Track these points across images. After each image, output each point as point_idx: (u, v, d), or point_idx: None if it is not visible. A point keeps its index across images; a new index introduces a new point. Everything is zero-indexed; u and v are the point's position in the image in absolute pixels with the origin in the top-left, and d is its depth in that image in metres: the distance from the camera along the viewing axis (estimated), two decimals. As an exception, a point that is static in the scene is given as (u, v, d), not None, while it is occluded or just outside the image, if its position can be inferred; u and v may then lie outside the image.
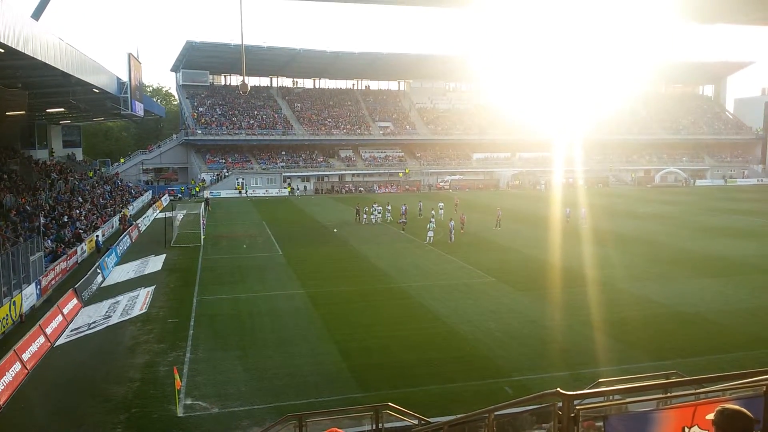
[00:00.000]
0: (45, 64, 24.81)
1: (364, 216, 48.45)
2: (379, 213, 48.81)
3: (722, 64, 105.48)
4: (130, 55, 47.73)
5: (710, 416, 3.92)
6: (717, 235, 40.27)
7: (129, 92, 45.93)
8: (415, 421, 10.33)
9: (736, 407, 3.72)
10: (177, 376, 14.48)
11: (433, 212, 45.39)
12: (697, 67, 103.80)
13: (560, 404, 4.71)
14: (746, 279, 27.58)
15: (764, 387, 4.68)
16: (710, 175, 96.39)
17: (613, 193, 75.04)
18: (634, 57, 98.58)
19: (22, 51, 21.49)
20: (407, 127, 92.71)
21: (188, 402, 14.74)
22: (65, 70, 28.03)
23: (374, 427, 10.10)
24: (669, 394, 6.14)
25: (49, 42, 25.02)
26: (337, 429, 3.64)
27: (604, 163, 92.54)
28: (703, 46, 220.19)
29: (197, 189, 75.25)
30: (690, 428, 4.50)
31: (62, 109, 48.22)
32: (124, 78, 45.62)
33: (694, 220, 48.84)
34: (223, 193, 75.37)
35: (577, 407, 4.66)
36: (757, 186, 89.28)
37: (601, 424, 4.87)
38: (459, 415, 9.95)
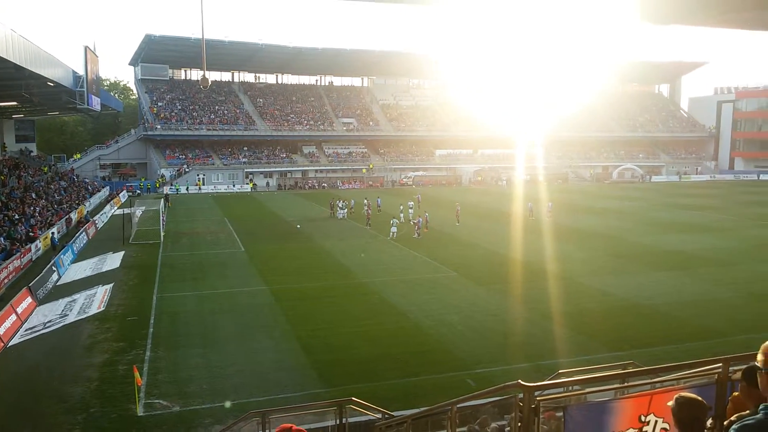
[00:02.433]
0: (-4, 55, 24.04)
1: (340, 210, 48.30)
2: (342, 209, 48.67)
3: (677, 64, 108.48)
4: (86, 48, 46.55)
5: (670, 403, 4.03)
6: (672, 230, 41.42)
7: (85, 86, 44.80)
8: (379, 415, 10.38)
9: (691, 395, 3.82)
10: (137, 375, 14.24)
11: (401, 208, 45.47)
12: (653, 66, 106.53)
13: (521, 395, 4.78)
14: (699, 272, 28.45)
15: (716, 375, 4.84)
16: (665, 171, 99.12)
17: (572, 189, 76.45)
18: (592, 56, 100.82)
19: (-28, 42, 20.76)
20: (371, 123, 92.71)
21: (149, 401, 14.49)
22: (18, 63, 27.20)
23: (338, 422, 10.11)
24: (626, 384, 6.31)
25: (1, 33, 24.21)
26: (291, 425, 3.61)
27: (564, 159, 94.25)
28: (657, 46, 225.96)
29: (157, 184, 73.82)
30: (646, 416, 4.62)
31: (15, 103, 46.77)
32: (81, 71, 44.47)
33: (650, 215, 50.12)
34: (183, 189, 74.00)
35: (538, 398, 4.73)
36: (709, 182, 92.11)
37: (561, 414, 4.97)
38: (422, 408, 10.03)
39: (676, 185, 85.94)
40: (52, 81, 35.61)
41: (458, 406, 7.22)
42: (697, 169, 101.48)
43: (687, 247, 34.96)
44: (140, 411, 13.95)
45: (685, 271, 28.57)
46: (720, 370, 4.83)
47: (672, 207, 56.12)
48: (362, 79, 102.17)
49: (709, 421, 4.07)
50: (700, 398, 3.84)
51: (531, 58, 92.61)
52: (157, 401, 14.49)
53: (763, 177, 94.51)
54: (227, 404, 13.91)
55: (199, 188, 75.66)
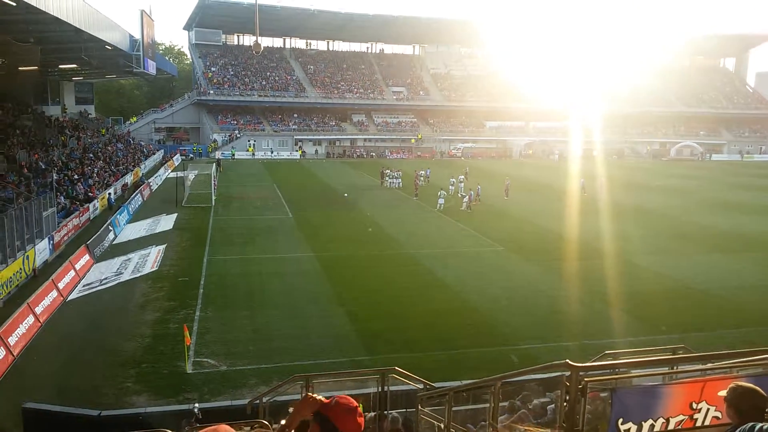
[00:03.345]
0: (57, 19, 24.60)
1: (392, 180, 48.58)
2: (392, 179, 48.82)
3: (744, 37, 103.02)
4: (143, 12, 47.23)
5: (722, 393, 3.89)
6: (731, 211, 39.88)
7: (141, 50, 45.58)
8: (420, 386, 10.42)
9: (750, 385, 3.69)
10: (187, 334, 14.66)
11: (452, 180, 44.97)
12: (718, 39, 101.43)
13: (568, 375, 4.69)
14: (759, 256, 27.34)
15: (774, 365, 4.65)
16: (727, 150, 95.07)
17: (628, 166, 74.29)
18: (653, 27, 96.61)
19: (34, 5, 21.29)
20: (421, 92, 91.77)
21: (197, 359, 14.95)
22: (78, 26, 27.79)
23: (380, 390, 10.20)
24: (676, 369, 6.12)
25: (62, -3, 24.77)
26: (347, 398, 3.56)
27: (620, 134, 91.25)
28: (725, 18, 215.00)
29: (210, 149, 75.17)
30: (698, 403, 4.48)
31: (75, 66, 48.01)
32: (137, 35, 45.21)
33: (709, 195, 48.34)
34: (238, 154, 75.27)
35: (585, 379, 4.63)
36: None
37: (606, 395, 4.87)
38: (466, 381, 10.03)
39: (737, 164, 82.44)
40: (109, 44, 36.34)
41: (503, 381, 7.16)
42: (761, 148, 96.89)
43: (747, 229, 33.62)
44: (189, 368, 14.41)
45: (744, 254, 27.52)
46: (779, 359, 4.65)
47: (732, 187, 53.97)
48: (413, 47, 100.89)
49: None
50: (758, 388, 3.70)
51: (589, 28, 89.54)
52: (205, 360, 14.94)
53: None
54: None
55: (253, 154, 76.63)
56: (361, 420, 3.42)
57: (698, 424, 4.51)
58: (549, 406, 8.80)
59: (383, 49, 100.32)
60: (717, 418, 4.45)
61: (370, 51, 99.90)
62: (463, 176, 47.16)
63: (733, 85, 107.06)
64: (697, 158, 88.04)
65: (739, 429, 3.39)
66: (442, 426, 8.77)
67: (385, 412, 9.70)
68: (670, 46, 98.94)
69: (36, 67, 41.19)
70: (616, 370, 6.71)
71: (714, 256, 27.22)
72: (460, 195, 40.48)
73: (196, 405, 11.57)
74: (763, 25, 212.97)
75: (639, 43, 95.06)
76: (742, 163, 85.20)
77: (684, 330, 17.28)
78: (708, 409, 4.48)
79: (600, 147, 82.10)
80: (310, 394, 3.51)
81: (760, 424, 3.31)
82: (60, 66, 48.96)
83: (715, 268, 24.98)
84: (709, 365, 5.20)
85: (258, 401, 10.85)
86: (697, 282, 22.77)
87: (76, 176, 37.28)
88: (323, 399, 3.38)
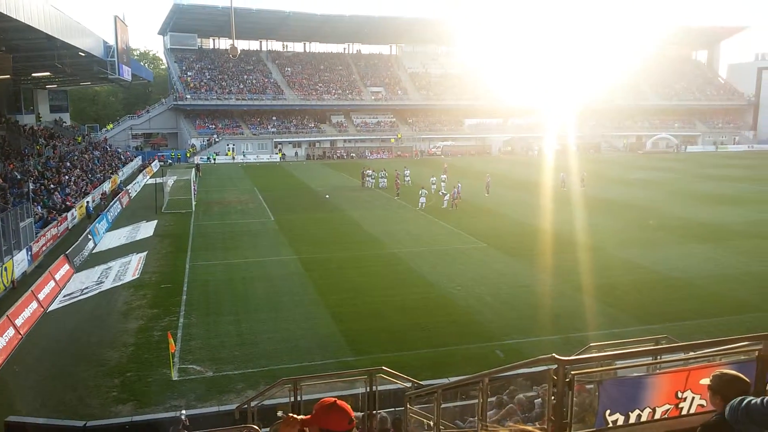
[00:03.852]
0: (28, 26, 24.20)
1: (370, 180, 48.90)
2: (373, 179, 48.99)
3: (716, 29, 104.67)
4: (116, 17, 46.65)
5: (705, 381, 3.96)
6: (707, 202, 40.51)
7: (116, 56, 44.99)
8: (408, 384, 10.46)
9: (734, 372, 3.76)
10: (171, 341, 14.56)
11: (433, 179, 45.01)
12: (690, 31, 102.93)
13: (555, 368, 4.74)
14: (735, 245, 27.84)
15: (756, 352, 4.74)
16: (701, 141, 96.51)
17: (605, 159, 75.11)
18: (627, 20, 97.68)
19: (5, 12, 20.95)
20: (399, 92, 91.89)
21: (183, 366, 14.85)
22: (50, 33, 27.36)
23: (368, 390, 10.22)
24: (660, 360, 6.22)
25: (32, 4, 24.37)
26: (334, 399, 3.67)
27: (597, 128, 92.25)
28: (696, 10, 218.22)
29: (188, 154, 74.55)
30: (683, 392, 4.55)
31: (48, 73, 47.26)
32: (111, 41, 44.63)
33: (685, 186, 49.06)
34: (219, 158, 74.78)
35: (572, 372, 4.68)
36: (747, 152, 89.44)
37: (592, 387, 4.93)
38: (454, 378, 10.08)
39: (712, 156, 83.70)
40: (83, 51, 35.83)
41: (491, 377, 7.21)
42: (734, 138, 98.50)
43: (722, 219, 34.18)
44: (175, 376, 14.31)
45: (719, 244, 27.98)
46: (761, 347, 4.73)
47: (707, 178, 54.81)
48: (391, 47, 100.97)
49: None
50: (742, 375, 3.77)
51: (563, 24, 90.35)
52: (190, 366, 14.84)
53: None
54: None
55: (233, 158, 76.14)
56: (342, 405, 3.48)
57: (684, 412, 4.58)
58: (536, 400, 8.89)
59: (360, 50, 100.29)
60: (702, 406, 4.52)
61: (347, 51, 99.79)
62: (444, 175, 47.34)
63: (705, 77, 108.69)
64: (673, 150, 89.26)
65: (729, 404, 3.45)
66: (432, 424, 8.82)
67: (374, 412, 9.73)
68: (643, 39, 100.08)
69: (8, 76, 40.44)
70: (602, 362, 6.80)
71: (691, 246, 27.63)
72: (441, 193, 40.60)
73: (183, 412, 11.49)
74: (733, 17, 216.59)
75: (613, 38, 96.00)
76: (716, 154, 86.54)
77: (665, 320, 17.53)
78: (693, 398, 4.55)
79: (577, 142, 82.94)
80: (290, 414, 3.58)
81: (750, 398, 3.37)
82: (33, 74, 48.14)
83: (692, 258, 25.37)
84: (692, 354, 5.30)
85: (246, 406, 10.80)
86: (675, 272, 23.11)
87: (52, 185, 36.77)
88: (302, 417, 3.48)
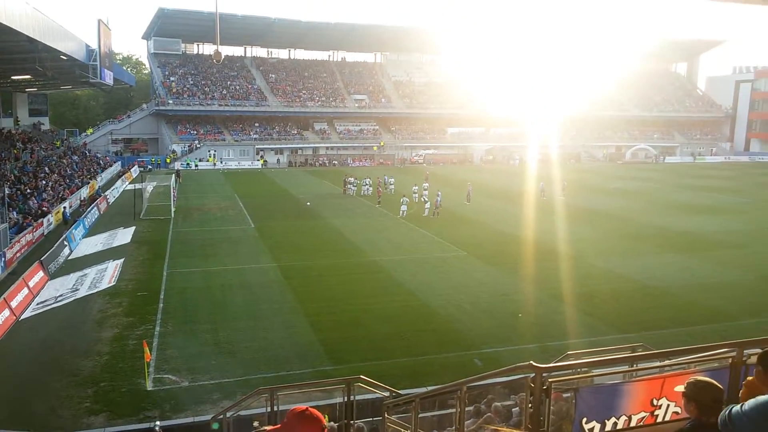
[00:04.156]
0: (10, 28, 23.86)
1: (352, 188, 48.86)
2: (355, 186, 48.97)
3: (695, 42, 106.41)
4: (99, 21, 46.23)
5: (680, 388, 3.95)
6: (684, 212, 41.02)
7: (98, 60, 44.56)
8: (387, 393, 10.38)
9: (708, 379, 3.76)
10: (146, 350, 14.32)
11: (415, 188, 44.54)
12: (670, 44, 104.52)
13: (532, 376, 4.71)
14: (711, 254, 28.19)
15: (730, 359, 4.75)
16: (680, 152, 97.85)
17: (585, 169, 75.79)
18: (609, 32, 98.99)
19: (-17, 14, 20.64)
20: (383, 100, 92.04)
21: (158, 375, 14.60)
22: (31, 36, 27.01)
23: (346, 399, 10.12)
24: (637, 367, 6.22)
25: (14, 6, 24.05)
26: (305, 407, 3.63)
27: (577, 139, 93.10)
28: (676, 23, 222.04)
29: (168, 160, 73.95)
30: (658, 400, 4.55)
31: (28, 77, 46.68)
32: (93, 45, 44.19)
33: (663, 196, 49.64)
34: (201, 164, 74.26)
35: (549, 380, 4.66)
36: (724, 163, 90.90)
37: (569, 395, 4.90)
38: (432, 387, 10.01)
39: (690, 166, 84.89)
40: (65, 54, 35.41)
41: (468, 386, 7.16)
42: (712, 150, 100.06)
43: (699, 228, 34.61)
44: (150, 385, 14.07)
45: (696, 253, 28.31)
46: (734, 354, 4.75)
47: (685, 188, 55.53)
48: (375, 55, 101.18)
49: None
50: (716, 382, 3.77)
51: (546, 35, 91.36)
52: (166, 376, 14.60)
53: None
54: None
55: (214, 164, 75.62)
56: (313, 413, 3.43)
57: (659, 420, 4.58)
58: (514, 409, 8.85)
59: (345, 57, 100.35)
60: (677, 413, 4.53)
61: (331, 59, 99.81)
62: (426, 183, 47.32)
63: (684, 89, 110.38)
64: (652, 161, 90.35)
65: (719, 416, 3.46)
66: (409, 433, 8.73)
67: (352, 421, 9.62)
68: (624, 51, 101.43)
69: (-14, 79, 39.93)
70: (579, 370, 6.79)
71: (668, 255, 27.91)
72: (423, 200, 40.60)
73: (158, 423, 11.29)
74: (712, 31, 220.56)
75: (594, 49, 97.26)
76: (694, 165, 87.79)
77: (642, 328, 17.65)
78: (668, 405, 4.56)
79: (558, 151, 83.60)
80: (262, 429, 3.56)
81: (733, 405, 3.39)
82: (13, 77, 47.54)
83: (669, 267, 25.62)
84: (667, 362, 5.30)
85: (222, 416, 10.64)
86: (653, 281, 23.31)
87: (29, 190, 36.18)
88: (272, 428, 3.45)
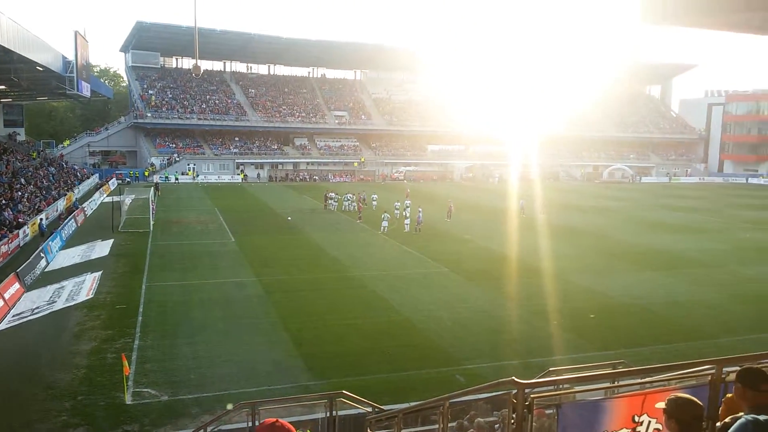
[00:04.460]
0: (-14, 38, 23.70)
1: (333, 203, 49.04)
2: (336, 202, 49.11)
3: (668, 66, 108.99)
4: (76, 33, 46.04)
5: (660, 405, 4.06)
6: (660, 230, 41.70)
7: (75, 71, 44.31)
8: (369, 409, 10.40)
9: (688, 396, 3.85)
10: (125, 363, 14.17)
11: (397, 204, 44.14)
12: (644, 67, 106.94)
13: (515, 392, 4.80)
14: (687, 272, 28.67)
15: (710, 376, 4.89)
16: (655, 172, 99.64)
17: (563, 188, 76.73)
18: (586, 55, 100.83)
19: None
20: (363, 116, 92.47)
21: (137, 389, 14.43)
22: (6, 46, 26.85)
23: (328, 415, 10.13)
24: (618, 384, 6.35)
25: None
26: (275, 419, 3.70)
27: (556, 158, 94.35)
28: (650, 47, 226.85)
29: (146, 173, 73.33)
30: (639, 416, 4.64)
31: (3, 87, 46.18)
32: (70, 57, 43.96)
33: (639, 215, 50.44)
34: (182, 178, 73.70)
35: (532, 395, 4.75)
36: (699, 184, 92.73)
37: (551, 411, 4.99)
38: (414, 403, 10.06)
39: (665, 186, 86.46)
40: (41, 65, 35.16)
41: (451, 401, 7.24)
42: (686, 171, 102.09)
43: (675, 247, 35.21)
44: (128, 399, 13.89)
45: (672, 272, 28.78)
46: (713, 371, 4.88)
47: (661, 208, 56.49)
48: (355, 72, 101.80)
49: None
50: (696, 399, 3.88)
51: (525, 56, 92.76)
52: (145, 390, 14.43)
53: (751, 180, 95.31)
54: None
55: (194, 178, 75.12)
56: (283, 424, 3.46)
57: (640, 436, 4.68)
58: (496, 425, 8.94)
59: (325, 74, 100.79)
60: (658, 429, 4.62)
61: (311, 75, 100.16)
62: (408, 200, 47.21)
63: (659, 111, 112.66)
64: (628, 180, 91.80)
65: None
66: (392, 449, 8.77)
67: (334, 437, 9.63)
68: (600, 73, 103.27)
69: (-39, 88, 39.40)
70: (561, 386, 6.91)
71: (646, 273, 28.34)
72: (405, 215, 40.69)
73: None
74: (685, 55, 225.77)
75: (571, 69, 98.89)
76: (669, 185, 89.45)
77: (622, 345, 17.88)
78: (649, 422, 4.66)
79: (537, 170, 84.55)
80: None
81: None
82: (-13, 87, 46.99)
83: (646, 284, 26.01)
84: (648, 378, 5.43)
85: (202, 431, 10.57)
86: (631, 299, 23.63)
87: (4, 201, 35.62)
88: None
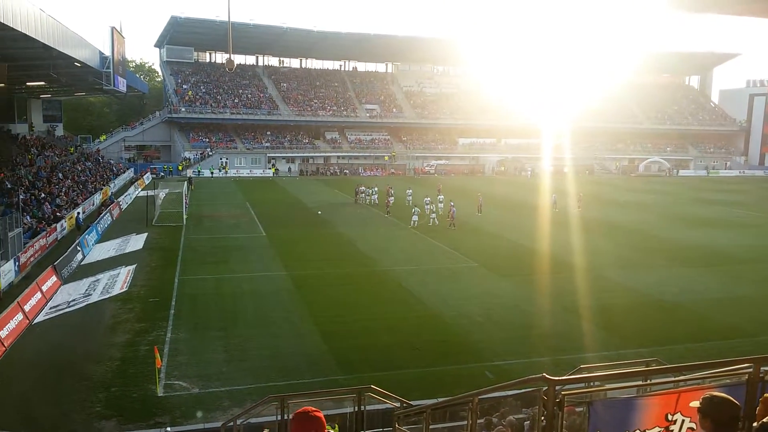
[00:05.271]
0: (25, 35, 24.16)
1: (363, 197, 49.29)
2: (367, 196, 49.14)
3: (709, 55, 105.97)
4: (113, 29, 46.74)
5: (695, 404, 3.91)
6: (698, 225, 40.71)
7: (111, 67, 45.01)
8: (398, 404, 10.34)
9: (725, 395, 3.72)
10: (157, 356, 14.37)
11: (428, 200, 43.23)
12: (683, 57, 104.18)
13: (545, 389, 4.69)
14: (725, 269, 27.93)
15: (746, 375, 4.71)
16: (693, 165, 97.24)
17: (598, 181, 75.46)
18: (622, 45, 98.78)
19: (2, 21, 20.92)
20: (394, 110, 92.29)
21: (169, 382, 14.64)
22: (46, 43, 27.33)
23: (356, 409, 10.10)
24: (650, 382, 6.17)
25: (29, 13, 24.36)
26: (309, 408, 3.87)
27: (590, 151, 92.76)
28: (689, 36, 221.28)
29: (180, 167, 74.43)
30: (673, 415, 4.51)
31: (43, 83, 47.22)
32: (107, 52, 44.65)
33: (677, 209, 49.32)
34: (206, 173, 74.66)
35: (562, 393, 4.64)
36: (738, 177, 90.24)
37: (582, 409, 4.87)
38: (443, 399, 9.97)
39: (703, 180, 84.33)
40: (79, 61, 35.77)
41: (480, 397, 7.13)
42: (726, 164, 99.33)
43: (713, 243, 34.33)
44: (160, 392, 14.10)
45: (710, 268, 28.07)
46: (751, 370, 4.71)
47: (699, 202, 55.17)
48: (386, 65, 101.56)
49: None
50: (733, 399, 3.74)
51: (559, 47, 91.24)
52: (176, 382, 14.64)
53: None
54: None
55: (226, 172, 75.99)
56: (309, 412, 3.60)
57: (673, 435, 4.53)
58: (526, 423, 8.80)
59: (356, 67, 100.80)
60: (692, 429, 4.48)
61: (343, 69, 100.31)
62: (441, 195, 46.67)
63: (698, 102, 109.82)
64: (665, 174, 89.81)
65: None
66: (420, 444, 8.70)
67: (362, 431, 9.60)
68: (637, 63, 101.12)
69: (3, 84, 40.41)
70: (592, 383, 6.75)
71: (681, 269, 27.69)
72: (431, 209, 40.41)
73: (168, 429, 11.32)
74: (725, 44, 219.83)
75: (606, 60, 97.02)
76: (707, 179, 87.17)
77: (656, 343, 17.49)
78: (683, 421, 4.52)
79: (570, 163, 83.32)
80: None
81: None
82: (28, 83, 48.10)
83: (682, 281, 25.41)
84: (682, 377, 5.26)
85: (232, 423, 10.65)
86: (666, 295, 23.11)
87: (43, 196, 36.54)
88: None
